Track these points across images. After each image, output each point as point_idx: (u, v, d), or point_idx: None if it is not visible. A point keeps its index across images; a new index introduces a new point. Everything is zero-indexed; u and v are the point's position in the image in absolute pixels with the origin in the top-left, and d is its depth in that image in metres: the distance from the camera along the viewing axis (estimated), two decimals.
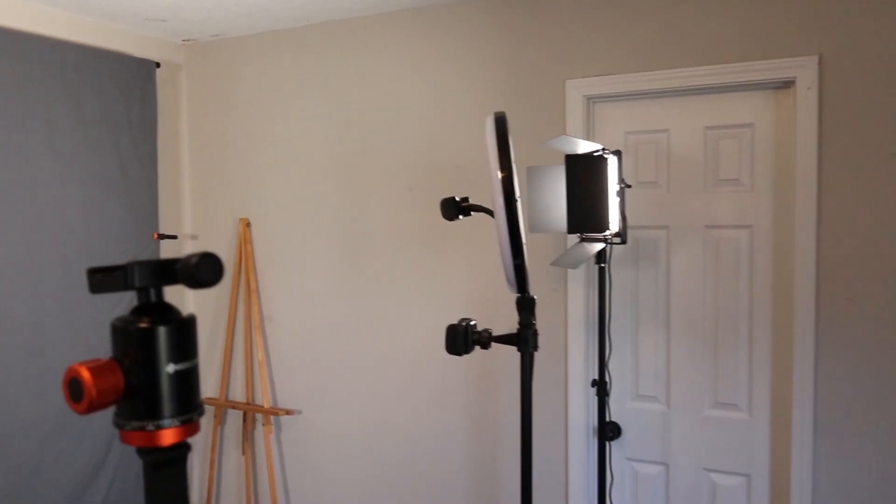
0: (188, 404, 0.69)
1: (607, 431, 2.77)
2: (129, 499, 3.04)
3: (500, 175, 1.26)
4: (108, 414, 2.98)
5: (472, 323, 1.47)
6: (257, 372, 3.41)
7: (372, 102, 3.15)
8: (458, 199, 1.40)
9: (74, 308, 2.83)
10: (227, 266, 3.51)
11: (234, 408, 3.45)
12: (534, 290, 2.85)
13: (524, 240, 1.40)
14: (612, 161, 2.02)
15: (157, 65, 3.24)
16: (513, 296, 2.84)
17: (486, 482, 3.01)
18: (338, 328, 3.27)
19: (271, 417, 3.35)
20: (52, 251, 2.76)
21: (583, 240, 2.18)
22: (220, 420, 3.52)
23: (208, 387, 3.60)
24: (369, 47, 3.14)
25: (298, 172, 3.33)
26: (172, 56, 3.49)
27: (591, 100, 2.80)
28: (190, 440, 0.75)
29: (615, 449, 2.82)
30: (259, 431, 3.44)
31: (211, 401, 3.52)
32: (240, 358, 3.50)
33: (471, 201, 2.94)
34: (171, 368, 0.67)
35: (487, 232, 2.94)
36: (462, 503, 3.05)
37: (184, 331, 0.68)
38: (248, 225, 3.45)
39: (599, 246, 2.11)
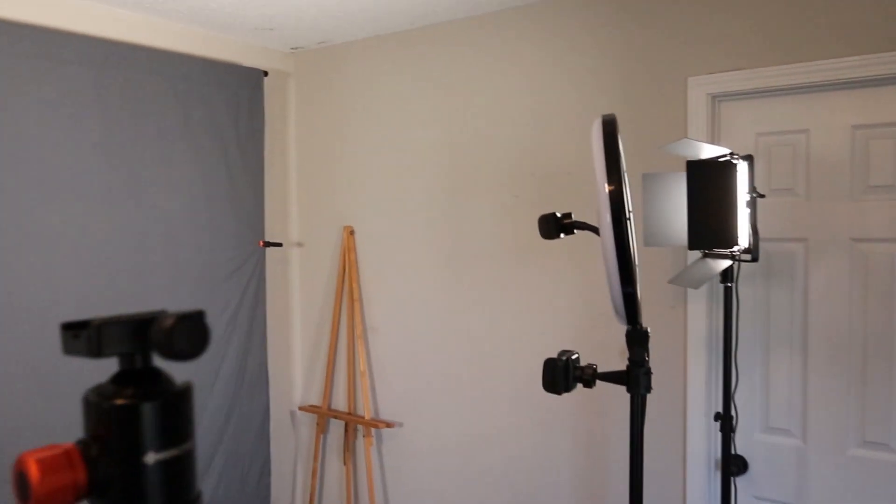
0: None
1: (731, 466, 2.50)
2: (234, 500, 3.07)
3: (607, 188, 1.08)
4: (216, 417, 3.02)
5: (575, 357, 1.30)
6: (359, 382, 3.36)
7: (476, 106, 3.02)
8: (559, 214, 1.23)
9: None
10: (331, 275, 3.50)
11: (335, 417, 3.42)
12: (649, 306, 2.61)
13: (636, 262, 1.21)
14: (741, 167, 1.78)
15: (265, 73, 3.26)
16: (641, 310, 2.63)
17: None
18: (440, 340, 3.16)
19: (371, 429, 3.29)
20: (161, 258, 2.82)
21: (706, 255, 1.94)
22: (322, 428, 3.50)
23: (312, 394, 3.59)
24: (473, 49, 3.02)
25: (401, 179, 3.25)
26: (281, 64, 3.52)
27: (716, 98, 2.53)
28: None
29: (741, 485, 2.53)
30: (360, 442, 3.39)
31: (314, 409, 3.51)
32: (342, 367, 3.47)
33: (581, 211, 2.75)
34: (151, 458, 0.51)
35: (596, 239, 2.73)
36: None
37: (175, 407, 0.52)
38: (352, 233, 3.41)
39: (725, 263, 1.87)
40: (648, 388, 1.29)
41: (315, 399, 3.57)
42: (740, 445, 2.52)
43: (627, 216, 1.12)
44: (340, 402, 3.47)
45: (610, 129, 1.13)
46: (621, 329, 2.70)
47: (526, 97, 2.89)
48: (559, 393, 1.25)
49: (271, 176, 3.44)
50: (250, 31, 3.17)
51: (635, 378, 1.27)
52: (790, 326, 2.42)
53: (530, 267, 2.90)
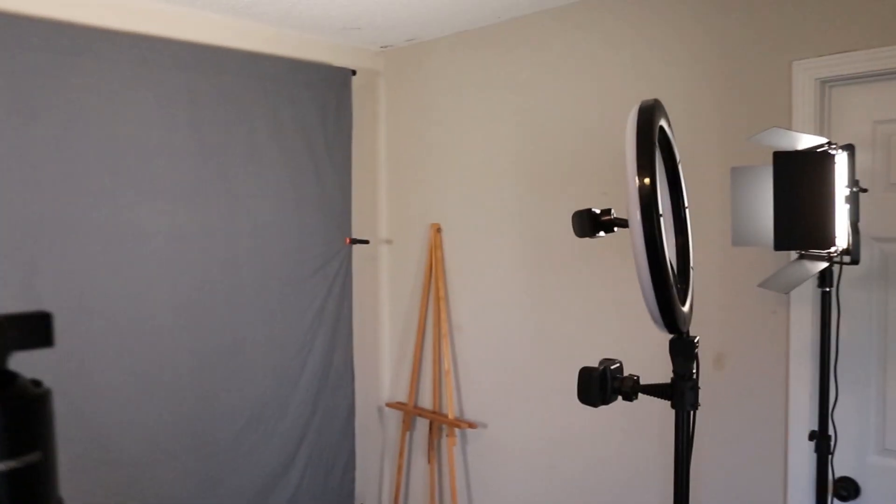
0: None
1: (840, 489, 2.26)
2: (317, 497, 3.13)
3: (636, 182, 0.97)
4: (301, 411, 3.08)
5: (615, 366, 1.19)
6: (444, 381, 3.33)
7: (564, 99, 2.90)
8: (597, 211, 1.13)
9: (268, 307, 2.97)
10: (419, 272, 3.49)
11: (420, 415, 3.41)
12: (748, 312, 2.40)
13: (672, 265, 1.08)
14: (840, 159, 1.57)
15: (353, 72, 3.29)
16: (728, 312, 2.43)
17: None
18: (524, 340, 3.07)
19: (455, 429, 3.25)
20: (249, 254, 2.91)
21: (803, 257, 1.74)
22: (408, 426, 3.50)
23: (399, 391, 3.61)
24: (562, 40, 2.90)
25: (487, 176, 3.18)
26: (371, 63, 3.54)
27: (826, 83, 2.28)
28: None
29: None
30: (445, 441, 3.36)
31: (401, 406, 3.52)
32: (428, 365, 3.45)
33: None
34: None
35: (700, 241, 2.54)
36: None
37: (24, 414, 0.48)
38: (438, 230, 3.38)
39: (821, 266, 1.67)
40: (695, 404, 1.17)
41: (402, 396, 3.57)
42: (851, 468, 2.27)
43: (660, 213, 1.00)
44: (426, 400, 3.46)
45: (646, 117, 1.02)
46: (714, 336, 2.50)
47: (617, 88, 2.74)
48: (595, 405, 1.15)
49: (361, 174, 3.47)
50: (338, 31, 3.21)
51: (680, 393, 1.15)
52: None
53: (619, 266, 2.75)
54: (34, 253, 2.39)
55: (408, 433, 3.52)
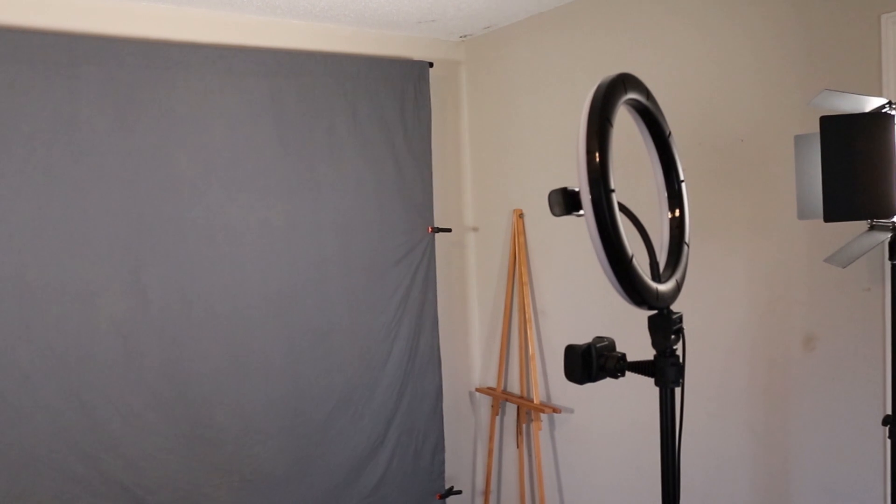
0: None
1: None
2: (407, 476, 3.24)
3: (585, 158, 0.95)
4: (388, 394, 3.21)
5: (602, 344, 1.17)
6: (530, 366, 3.34)
7: (642, 74, 2.81)
8: (574, 189, 1.11)
9: (354, 295, 3.11)
10: (503, 257, 3.51)
11: (508, 400, 3.44)
12: (839, 289, 2.24)
13: (628, 246, 1.05)
14: None
15: (431, 64, 3.35)
16: (818, 290, 2.26)
17: None
18: (607, 324, 3.01)
19: (541, 414, 3.25)
20: (334, 245, 3.06)
21: (873, 227, 1.60)
22: (497, 410, 3.54)
23: (489, 376, 3.65)
24: (637, 12, 2.80)
25: (567, 159, 3.14)
26: (451, 53, 3.59)
27: None
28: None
29: None
30: (532, 426, 3.37)
31: (490, 391, 3.56)
32: (515, 350, 3.47)
33: (750, 181, 2.43)
34: None
35: (772, 214, 2.40)
36: None
37: None
38: (521, 216, 3.39)
39: (882, 236, 1.52)
40: (677, 381, 1.13)
41: (492, 381, 3.62)
42: None
43: (612, 189, 0.97)
44: (514, 385, 3.48)
45: (600, 94, 0.99)
46: (803, 315, 2.35)
47: (696, 56, 2.62)
48: (581, 383, 1.14)
49: (445, 163, 3.53)
50: (414, 24, 3.28)
51: (660, 370, 1.12)
52: None
53: (699, 245, 2.64)
54: (139, 251, 2.65)
55: (497, 418, 3.56)
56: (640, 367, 1.18)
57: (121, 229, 2.61)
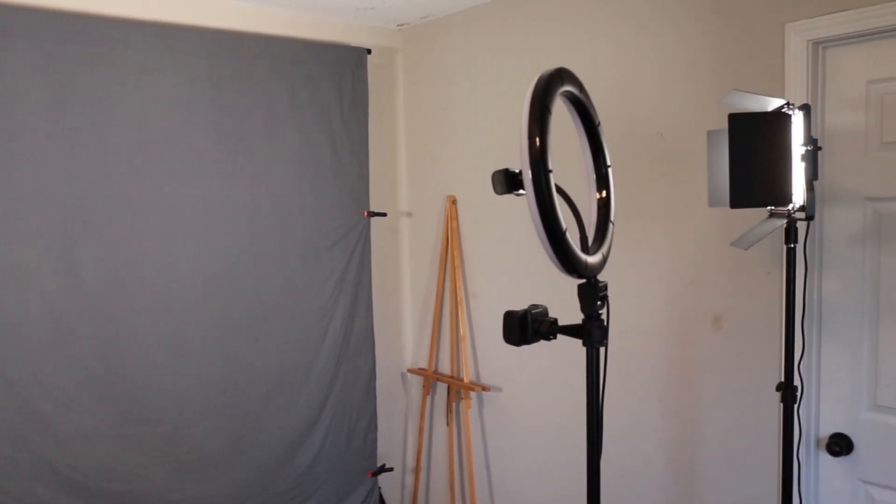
0: None
1: (833, 445, 2.31)
2: (341, 454, 3.32)
3: (527, 142, 1.08)
4: (323, 374, 3.27)
5: (537, 311, 1.30)
6: (461, 347, 3.47)
7: (575, 69, 2.96)
8: (515, 170, 1.23)
9: (290, 277, 3.15)
10: (436, 242, 3.62)
11: (439, 380, 3.57)
12: (742, 274, 2.46)
13: (562, 221, 1.19)
14: (796, 118, 1.62)
15: (369, 51, 3.42)
16: (726, 274, 2.48)
17: (683, 484, 2.71)
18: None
19: (471, 392, 3.40)
20: (271, 226, 3.09)
21: (772, 215, 1.80)
22: (428, 390, 3.66)
23: (421, 357, 3.76)
24: (571, 7, 2.96)
25: (500, 147, 3.28)
26: (388, 41, 3.66)
27: (819, 45, 2.29)
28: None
29: (844, 468, 2.33)
30: (462, 405, 3.51)
31: (421, 371, 3.68)
32: (447, 332, 3.60)
33: (673, 173, 2.63)
34: None
35: (689, 202, 2.60)
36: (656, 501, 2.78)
37: None
38: (454, 202, 3.51)
39: (778, 222, 1.72)
40: (602, 341, 1.28)
41: (423, 362, 3.73)
42: (844, 424, 2.32)
43: (549, 170, 1.10)
44: (445, 366, 3.61)
45: (540, 86, 1.11)
46: (712, 297, 2.57)
47: (626, 53, 2.79)
48: (517, 345, 1.27)
49: (381, 149, 3.61)
50: (353, 11, 3.33)
51: (588, 332, 1.26)
52: None
53: (621, 229, 2.83)
54: (72, 230, 2.61)
55: (428, 397, 3.68)
56: (570, 330, 1.32)
57: (53, 207, 2.57)
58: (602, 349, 1.31)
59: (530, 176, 1.12)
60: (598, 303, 1.32)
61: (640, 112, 2.73)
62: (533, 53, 3.10)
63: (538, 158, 1.11)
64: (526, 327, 1.29)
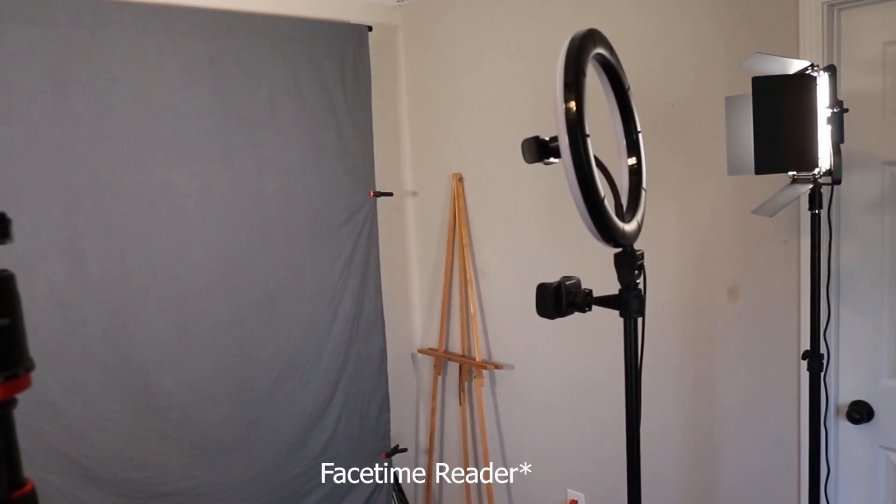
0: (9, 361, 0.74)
1: (853, 412, 2.30)
2: (354, 437, 3.31)
3: (563, 106, 1.03)
4: (334, 357, 3.25)
5: (571, 282, 1.27)
6: (471, 325, 3.45)
7: None
8: (545, 138, 1.19)
9: (298, 260, 3.11)
10: (443, 221, 3.59)
11: (450, 359, 3.54)
12: (760, 241, 2.43)
13: (601, 188, 1.15)
14: (821, 80, 1.58)
15: (370, 28, 3.35)
16: (741, 244, 2.45)
17: (701, 458, 2.70)
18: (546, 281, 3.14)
19: (483, 371, 3.38)
20: (277, 210, 3.05)
21: (795, 181, 1.76)
22: (439, 370, 3.64)
23: (431, 337, 3.74)
24: None
25: (506, 124, 3.23)
26: (388, 18, 3.59)
27: (834, 7, 2.24)
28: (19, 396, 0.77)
29: (864, 435, 2.32)
30: (474, 383, 3.49)
31: (431, 351, 3.66)
32: (456, 311, 3.57)
33: (682, 144, 2.58)
34: None
35: (703, 171, 2.56)
36: (675, 477, 2.77)
37: None
38: (460, 180, 3.46)
39: (803, 188, 1.69)
40: (640, 311, 1.24)
41: (433, 342, 3.71)
42: (864, 392, 2.30)
43: (587, 134, 1.06)
44: (456, 345, 3.59)
45: (574, 46, 1.07)
46: (727, 268, 2.54)
47: (634, 26, 2.74)
48: (552, 318, 1.24)
49: (384, 128, 3.55)
50: None
51: (625, 302, 1.23)
52: None
53: None
54: (77, 217, 2.57)
55: (439, 377, 3.66)
56: (607, 301, 1.29)
57: (56, 195, 2.52)
58: (640, 319, 1.28)
59: (567, 142, 1.08)
60: (636, 272, 1.28)
61: (651, 82, 2.68)
62: (536, 25, 3.04)
63: (575, 123, 1.07)
64: (560, 299, 1.26)
